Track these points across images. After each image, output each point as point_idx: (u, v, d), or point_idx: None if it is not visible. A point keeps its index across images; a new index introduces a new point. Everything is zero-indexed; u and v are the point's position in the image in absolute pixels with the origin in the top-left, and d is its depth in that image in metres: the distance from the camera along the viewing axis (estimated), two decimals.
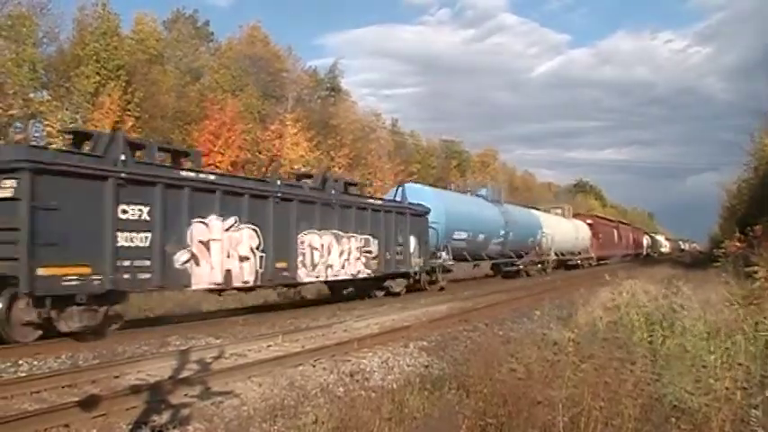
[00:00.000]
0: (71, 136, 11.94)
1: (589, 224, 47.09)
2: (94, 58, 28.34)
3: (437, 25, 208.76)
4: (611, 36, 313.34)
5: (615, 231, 56.13)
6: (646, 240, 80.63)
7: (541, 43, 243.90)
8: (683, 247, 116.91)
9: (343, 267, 16.75)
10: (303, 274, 15.31)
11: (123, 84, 28.67)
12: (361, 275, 17.62)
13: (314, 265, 15.60)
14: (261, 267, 13.86)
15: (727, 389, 4.95)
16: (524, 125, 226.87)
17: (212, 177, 13.32)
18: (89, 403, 6.28)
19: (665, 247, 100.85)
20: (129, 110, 28.02)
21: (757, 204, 31.02)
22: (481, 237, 26.21)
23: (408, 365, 9.03)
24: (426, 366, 8.08)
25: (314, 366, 8.65)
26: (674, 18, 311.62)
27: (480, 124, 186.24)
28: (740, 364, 5.57)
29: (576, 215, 48.80)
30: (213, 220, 12.62)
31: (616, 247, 55.24)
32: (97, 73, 28.02)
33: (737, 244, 18.64)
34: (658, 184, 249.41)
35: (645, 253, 76.55)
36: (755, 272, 10.95)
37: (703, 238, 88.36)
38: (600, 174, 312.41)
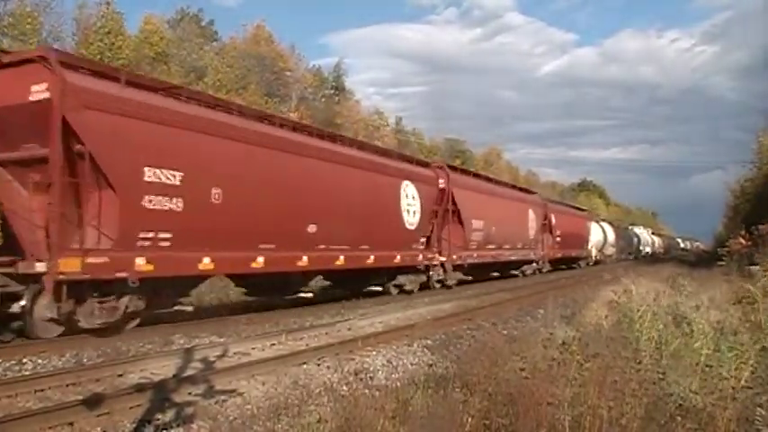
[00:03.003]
0: None
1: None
2: (98, 56, 28.37)
3: (444, 24, 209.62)
4: (617, 35, 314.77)
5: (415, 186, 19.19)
6: (598, 233, 48.03)
7: (548, 42, 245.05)
8: (683, 245, 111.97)
9: None
10: None
11: None
12: None
13: None
14: None
15: (732, 388, 4.93)
16: (530, 124, 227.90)
17: None
18: (93, 402, 6.29)
19: (651, 245, 75.14)
20: None
21: (762, 203, 30.97)
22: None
23: (413, 364, 9.01)
24: (431, 365, 8.03)
25: (318, 365, 8.62)
26: (680, 17, 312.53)
27: (486, 123, 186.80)
28: (745, 363, 5.55)
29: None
30: None
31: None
32: None
33: (742, 242, 18.62)
34: (663, 184, 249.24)
35: (594, 259, 46.70)
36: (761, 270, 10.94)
37: (708, 237, 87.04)
38: (605, 173, 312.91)
